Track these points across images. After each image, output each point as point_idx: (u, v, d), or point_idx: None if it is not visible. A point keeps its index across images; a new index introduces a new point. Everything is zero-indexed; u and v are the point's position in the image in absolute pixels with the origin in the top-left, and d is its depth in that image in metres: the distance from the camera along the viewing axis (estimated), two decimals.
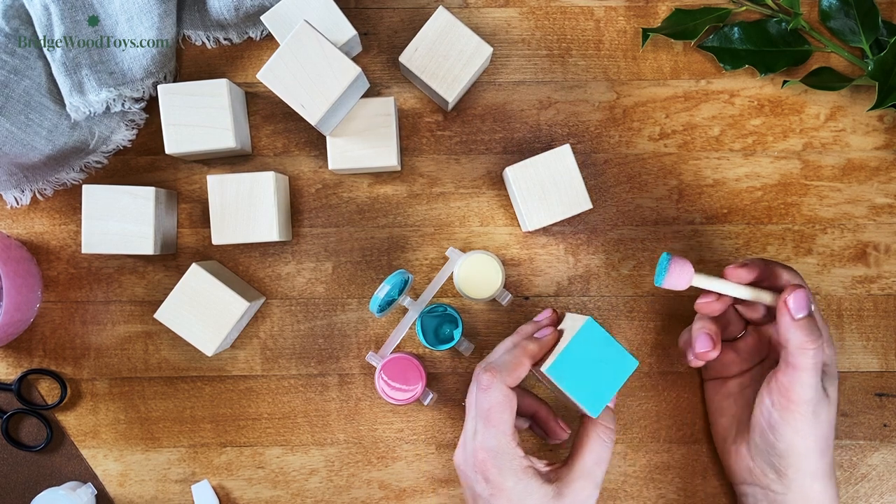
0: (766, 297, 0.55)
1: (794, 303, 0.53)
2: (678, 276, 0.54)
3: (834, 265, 0.64)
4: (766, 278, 0.56)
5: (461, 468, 0.56)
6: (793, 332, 0.53)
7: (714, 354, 0.56)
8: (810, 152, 0.65)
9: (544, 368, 0.54)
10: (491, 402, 0.54)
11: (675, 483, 0.64)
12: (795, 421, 0.54)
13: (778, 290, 0.56)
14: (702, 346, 0.56)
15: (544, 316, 0.59)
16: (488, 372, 0.54)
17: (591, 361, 0.53)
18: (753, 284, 0.56)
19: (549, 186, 0.59)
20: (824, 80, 0.63)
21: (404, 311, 0.64)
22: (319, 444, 0.64)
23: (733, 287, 0.55)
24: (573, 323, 0.56)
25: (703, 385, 0.64)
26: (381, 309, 0.59)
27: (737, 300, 0.58)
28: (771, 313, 0.59)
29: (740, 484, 0.60)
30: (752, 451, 0.57)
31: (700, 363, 0.59)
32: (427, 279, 0.64)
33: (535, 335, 0.57)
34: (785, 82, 0.63)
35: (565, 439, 0.61)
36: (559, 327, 0.58)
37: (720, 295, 0.56)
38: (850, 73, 0.65)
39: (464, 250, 0.64)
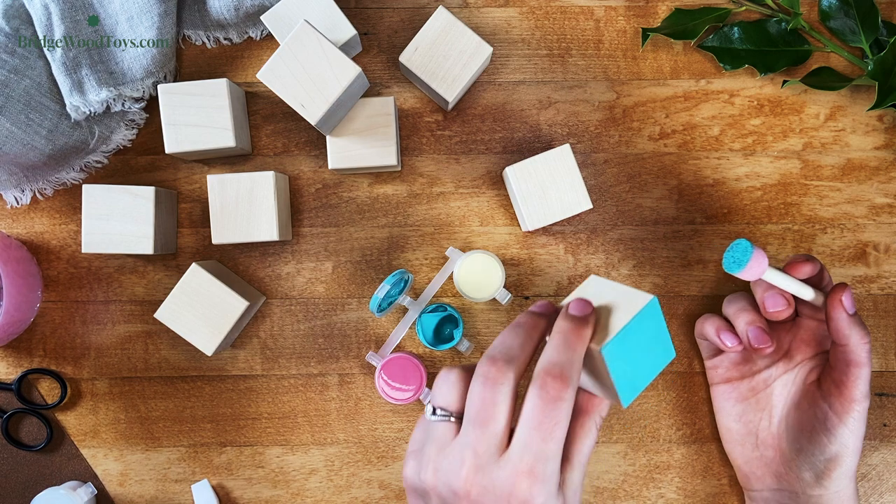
0: (809, 293, 0.55)
1: (848, 300, 0.53)
2: (755, 268, 0.51)
3: (834, 265, 0.64)
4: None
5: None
6: (853, 329, 0.53)
7: (772, 349, 0.55)
8: (810, 152, 0.65)
9: (601, 347, 0.43)
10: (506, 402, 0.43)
11: (675, 483, 0.64)
12: (853, 420, 0.54)
13: (815, 287, 0.55)
14: (760, 342, 0.55)
15: (541, 307, 0.47)
16: (494, 365, 0.43)
17: (642, 347, 0.45)
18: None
19: (549, 186, 0.59)
20: (824, 79, 0.63)
21: (404, 311, 0.64)
22: (319, 444, 0.64)
23: (795, 283, 0.54)
24: (618, 296, 0.46)
25: (709, 389, 0.64)
26: (381, 309, 0.59)
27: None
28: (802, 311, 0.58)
29: (763, 490, 0.59)
30: (791, 454, 0.57)
31: (736, 349, 0.57)
32: (427, 279, 0.64)
33: (535, 309, 0.47)
34: (785, 82, 0.63)
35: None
36: (587, 297, 0.47)
37: (786, 297, 0.54)
38: (850, 72, 0.65)
39: (464, 250, 0.64)
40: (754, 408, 0.59)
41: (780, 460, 0.58)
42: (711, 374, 0.62)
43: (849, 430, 0.54)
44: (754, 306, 0.57)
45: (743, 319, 0.57)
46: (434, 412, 0.43)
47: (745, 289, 0.64)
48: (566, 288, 0.64)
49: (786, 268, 0.55)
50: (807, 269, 0.54)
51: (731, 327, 0.58)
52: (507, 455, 0.41)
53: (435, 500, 0.43)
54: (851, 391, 0.54)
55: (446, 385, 0.44)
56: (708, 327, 0.59)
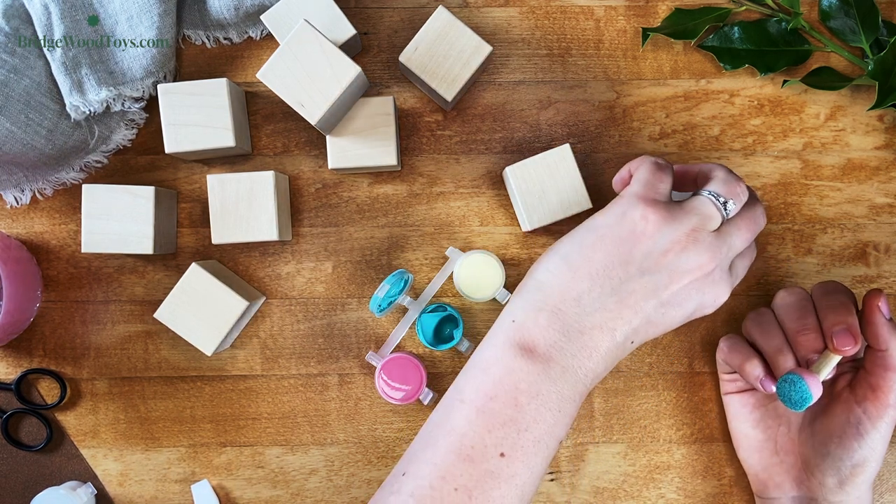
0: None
1: (885, 305, 0.53)
2: (816, 391, 0.51)
3: (834, 265, 0.64)
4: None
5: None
6: (892, 334, 0.53)
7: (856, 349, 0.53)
8: (810, 152, 0.65)
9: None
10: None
11: (675, 483, 0.64)
12: (886, 425, 0.54)
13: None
14: (845, 343, 0.53)
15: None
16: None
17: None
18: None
19: (549, 186, 0.59)
20: (824, 79, 0.63)
21: (404, 311, 0.64)
22: (319, 444, 0.64)
23: (837, 358, 0.54)
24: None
25: (711, 390, 0.64)
26: (381, 309, 0.59)
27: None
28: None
29: (780, 497, 0.59)
30: (816, 460, 0.56)
31: (770, 388, 0.55)
32: (427, 279, 0.64)
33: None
34: (785, 82, 0.63)
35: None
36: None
37: (853, 334, 0.53)
38: (850, 72, 0.65)
39: (464, 250, 0.64)
40: (772, 414, 0.59)
41: (801, 466, 0.57)
42: (727, 386, 0.61)
43: (880, 435, 0.54)
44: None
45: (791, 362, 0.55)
46: (719, 200, 0.51)
47: (766, 303, 0.64)
48: None
49: (832, 347, 0.53)
50: (850, 351, 0.53)
51: (771, 371, 0.56)
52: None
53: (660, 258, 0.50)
54: (888, 396, 0.54)
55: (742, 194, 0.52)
56: (748, 371, 0.57)
